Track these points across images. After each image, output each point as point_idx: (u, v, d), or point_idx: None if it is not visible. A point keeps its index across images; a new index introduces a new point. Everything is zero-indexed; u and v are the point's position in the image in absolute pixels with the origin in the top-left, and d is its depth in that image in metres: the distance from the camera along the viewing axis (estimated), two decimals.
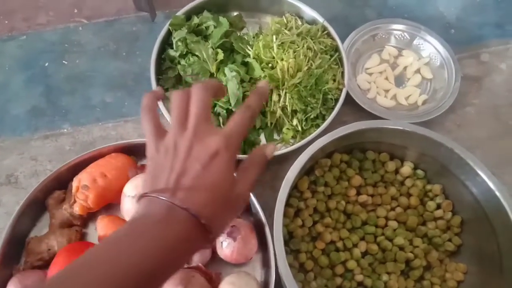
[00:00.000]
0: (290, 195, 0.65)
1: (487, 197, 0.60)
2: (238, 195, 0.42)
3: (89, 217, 0.66)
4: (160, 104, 0.69)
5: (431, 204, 0.66)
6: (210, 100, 0.44)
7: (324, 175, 0.67)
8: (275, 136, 0.75)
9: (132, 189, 0.62)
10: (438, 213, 0.66)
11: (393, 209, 0.67)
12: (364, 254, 0.64)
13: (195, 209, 0.38)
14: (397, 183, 0.68)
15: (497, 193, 0.58)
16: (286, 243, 0.63)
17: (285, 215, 0.64)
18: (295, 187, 0.66)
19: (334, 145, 0.65)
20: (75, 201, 0.62)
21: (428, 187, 0.67)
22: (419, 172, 0.68)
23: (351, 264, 0.62)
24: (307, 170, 0.67)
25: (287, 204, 0.65)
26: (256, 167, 0.44)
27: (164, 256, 0.37)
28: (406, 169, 0.68)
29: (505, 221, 0.57)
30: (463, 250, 0.65)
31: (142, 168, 0.68)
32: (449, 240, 0.65)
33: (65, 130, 0.75)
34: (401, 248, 0.63)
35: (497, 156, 0.76)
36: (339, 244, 0.64)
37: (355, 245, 0.64)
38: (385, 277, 0.61)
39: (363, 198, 0.66)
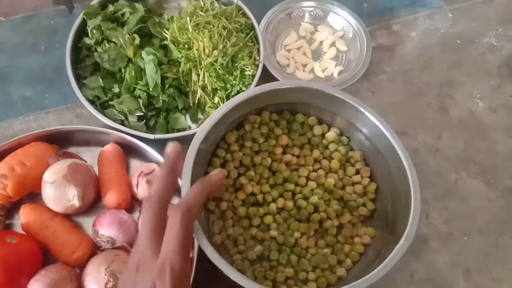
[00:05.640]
0: (218, 146, 0.67)
1: (396, 164, 0.63)
2: None
3: (14, 208, 0.66)
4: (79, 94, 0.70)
5: (350, 169, 0.69)
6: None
7: (252, 131, 0.68)
8: (200, 116, 0.77)
9: (51, 175, 0.62)
10: (356, 178, 0.69)
11: (315, 170, 0.69)
12: (281, 210, 0.66)
13: None
14: (322, 147, 0.70)
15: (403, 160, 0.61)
16: None
17: (212, 164, 0.66)
18: (223, 139, 0.68)
19: (249, 105, 0.66)
20: None
21: (350, 153, 0.70)
22: (344, 138, 0.70)
23: (268, 219, 0.64)
24: (237, 125, 0.69)
25: (214, 155, 0.67)
26: None
27: None
28: (331, 134, 0.70)
29: (406, 188, 0.60)
30: (376, 216, 0.67)
31: (63, 155, 0.68)
32: (363, 205, 0.67)
33: None
34: (316, 207, 0.65)
35: (410, 118, 0.81)
36: (259, 197, 0.66)
37: (274, 200, 0.66)
38: (296, 234, 0.64)
39: (287, 157, 0.68)
